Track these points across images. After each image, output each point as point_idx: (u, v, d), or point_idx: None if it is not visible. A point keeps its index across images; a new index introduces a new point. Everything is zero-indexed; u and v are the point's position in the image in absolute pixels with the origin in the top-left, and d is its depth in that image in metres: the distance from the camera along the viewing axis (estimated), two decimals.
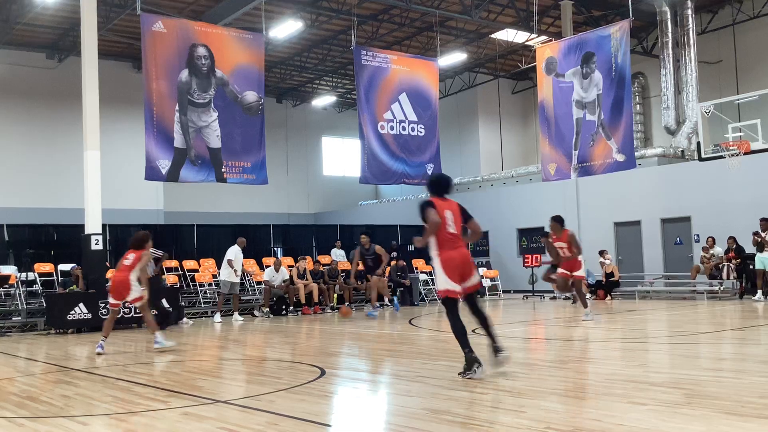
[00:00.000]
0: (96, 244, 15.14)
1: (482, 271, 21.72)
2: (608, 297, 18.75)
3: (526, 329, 12.56)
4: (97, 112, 15.37)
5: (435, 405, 5.56)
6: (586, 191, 21.97)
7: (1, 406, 6.18)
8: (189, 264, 19.10)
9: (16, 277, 16.31)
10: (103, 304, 14.25)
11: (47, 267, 17.46)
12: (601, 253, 19.35)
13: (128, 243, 10.67)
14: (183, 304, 16.18)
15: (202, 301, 18.01)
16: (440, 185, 6.92)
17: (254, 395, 6.28)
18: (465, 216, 6.85)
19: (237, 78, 16.70)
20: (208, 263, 19.28)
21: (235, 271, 15.93)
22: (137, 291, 10.17)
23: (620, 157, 17.49)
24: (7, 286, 16.18)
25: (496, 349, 6.74)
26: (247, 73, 16.87)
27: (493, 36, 22.83)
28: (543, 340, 11.14)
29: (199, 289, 18.24)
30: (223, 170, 16.43)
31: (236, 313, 16.06)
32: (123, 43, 21.04)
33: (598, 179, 20.26)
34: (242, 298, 17.19)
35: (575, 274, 12.37)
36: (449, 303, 6.67)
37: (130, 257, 10.24)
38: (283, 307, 17.49)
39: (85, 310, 14.38)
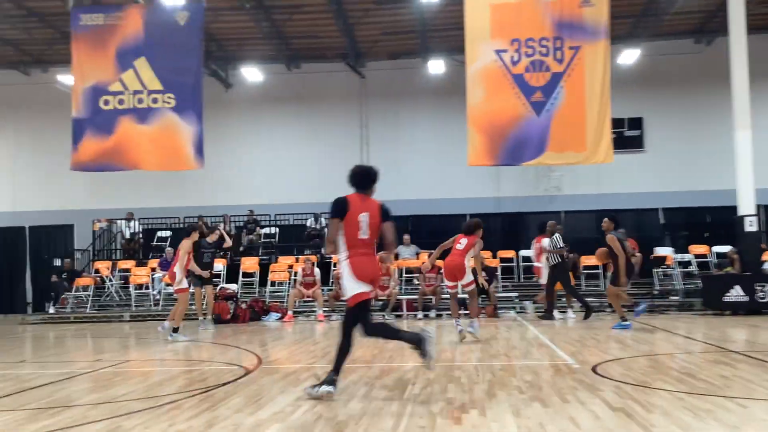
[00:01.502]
0: (750, 225, 14.83)
1: None
2: None
3: None
4: (747, 90, 15.03)
5: None
6: None
7: (663, 380, 6.70)
8: None
9: (672, 259, 17.20)
10: (761, 287, 14.05)
11: (702, 249, 17.81)
12: None
13: (462, 228, 10.72)
14: None
15: None
16: (364, 178, 6.05)
17: None
18: (384, 218, 6.02)
19: None
20: None
21: None
22: (470, 275, 10.37)
23: None
24: (663, 266, 17.19)
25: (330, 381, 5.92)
26: None
27: None
28: None
29: None
30: None
31: None
32: None
33: None
34: None
35: None
36: (360, 308, 5.94)
37: (462, 242, 10.33)
38: None
39: (741, 292, 14.26)
